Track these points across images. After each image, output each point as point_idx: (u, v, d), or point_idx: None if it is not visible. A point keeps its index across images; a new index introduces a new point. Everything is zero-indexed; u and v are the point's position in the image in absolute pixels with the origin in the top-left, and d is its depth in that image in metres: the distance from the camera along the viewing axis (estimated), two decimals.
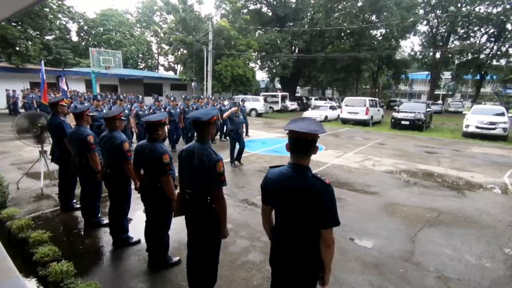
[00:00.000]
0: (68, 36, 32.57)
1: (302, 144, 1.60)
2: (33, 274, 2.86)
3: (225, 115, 7.00)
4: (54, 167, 4.57)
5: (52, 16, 21.74)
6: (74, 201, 4.41)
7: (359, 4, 27.94)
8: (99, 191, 3.82)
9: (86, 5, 62.40)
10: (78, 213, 4.14)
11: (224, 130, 10.79)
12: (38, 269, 2.83)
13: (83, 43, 34.46)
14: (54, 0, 23.29)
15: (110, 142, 3.14)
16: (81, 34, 35.18)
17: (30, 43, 19.04)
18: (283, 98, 24.74)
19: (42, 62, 9.90)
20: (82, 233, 3.75)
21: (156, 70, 42.21)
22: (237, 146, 7.07)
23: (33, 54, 18.94)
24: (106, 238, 3.58)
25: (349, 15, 27.48)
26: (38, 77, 19.72)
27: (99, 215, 3.94)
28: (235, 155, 7.10)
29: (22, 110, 16.50)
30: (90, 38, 35.03)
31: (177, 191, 2.55)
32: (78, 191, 4.12)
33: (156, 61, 43.65)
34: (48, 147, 4.83)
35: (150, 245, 3.00)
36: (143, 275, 2.92)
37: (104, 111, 6.74)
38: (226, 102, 10.99)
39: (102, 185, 3.68)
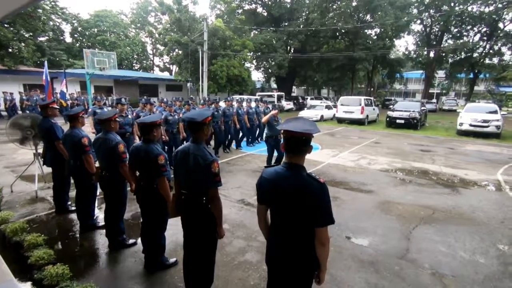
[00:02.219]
0: (61, 38, 32.28)
1: (296, 143, 1.62)
2: (28, 277, 2.84)
3: (264, 119, 6.24)
4: (49, 169, 4.53)
5: (45, 17, 21.54)
6: (69, 203, 4.38)
7: (354, 3, 28.08)
8: (94, 193, 3.81)
9: (80, 6, 62.00)
10: (74, 216, 4.11)
11: (240, 137, 9.30)
12: (34, 273, 2.81)
13: (77, 45, 34.18)
14: (47, 1, 23.08)
15: (105, 144, 3.12)
16: (75, 35, 34.89)
17: (23, 44, 18.86)
18: (279, 98, 24.79)
19: (46, 63, 9.72)
20: (78, 235, 3.73)
21: (151, 71, 42.03)
22: (275, 153, 6.47)
23: (26, 56, 18.76)
24: (102, 240, 3.56)
25: (343, 15, 27.60)
26: (31, 79, 19.62)
27: (95, 217, 3.92)
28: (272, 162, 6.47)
29: (4, 113, 16.26)
30: (84, 39, 34.77)
31: (172, 192, 2.55)
32: (73, 193, 4.10)
33: (151, 62, 43.47)
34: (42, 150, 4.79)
35: (147, 247, 2.99)
36: (139, 277, 2.91)
37: (129, 116, 6.07)
38: (244, 104, 9.86)
39: (98, 187, 3.67)
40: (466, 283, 2.93)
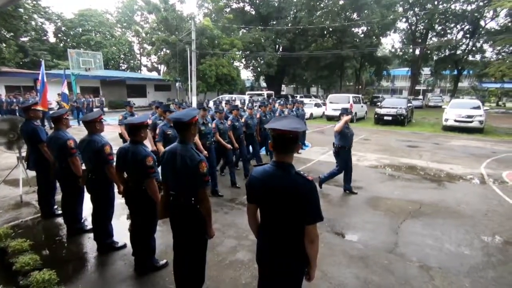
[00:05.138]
0: (45, 38, 31.46)
1: (284, 142, 1.62)
2: (14, 284, 2.76)
3: (337, 127, 5.09)
4: (34, 173, 4.41)
5: (27, 17, 20.95)
6: (55, 207, 4.28)
7: (341, 2, 28.39)
8: (81, 196, 3.73)
9: (63, 6, 60.39)
10: (60, 220, 4.02)
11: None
12: (19, 279, 2.73)
13: (61, 45, 33.38)
14: (29, 0, 22.43)
15: (90, 146, 3.06)
16: (59, 35, 34.04)
17: (4, 45, 18.32)
18: (269, 97, 24.83)
19: (43, 63, 9.27)
20: (65, 240, 3.64)
21: (139, 71, 41.40)
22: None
23: (7, 57, 18.24)
24: (90, 244, 3.49)
25: (331, 13, 27.87)
26: (14, 80, 19.03)
27: (82, 220, 3.85)
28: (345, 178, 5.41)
29: None
30: (68, 39, 33.97)
31: (161, 193, 2.53)
32: (59, 197, 4.00)
33: (139, 61, 42.81)
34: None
35: (136, 249, 2.95)
36: (130, 280, 2.87)
37: (210, 124, 5.07)
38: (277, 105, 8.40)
39: (84, 190, 3.59)
40: (452, 274, 3.01)
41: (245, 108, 8.22)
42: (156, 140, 4.64)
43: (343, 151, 5.24)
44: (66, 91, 11.80)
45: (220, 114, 5.52)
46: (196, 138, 4.73)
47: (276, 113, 7.61)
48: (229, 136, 5.62)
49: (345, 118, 5.12)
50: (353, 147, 9.41)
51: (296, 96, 30.45)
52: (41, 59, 11.01)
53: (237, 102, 8.34)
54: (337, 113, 17.53)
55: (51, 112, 4.76)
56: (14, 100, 14.39)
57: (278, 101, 10.73)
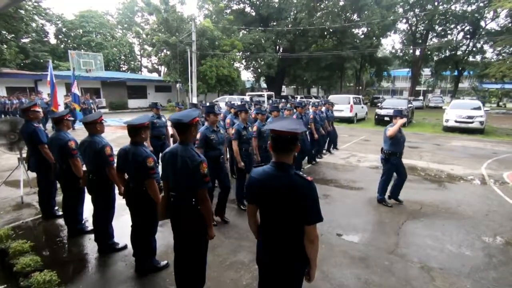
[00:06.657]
0: (45, 39, 31.53)
1: (283, 142, 1.63)
2: (15, 285, 2.76)
3: (391, 131, 4.56)
4: (34, 174, 4.42)
5: (28, 18, 21.00)
6: (56, 208, 4.28)
7: (341, 3, 28.46)
8: (81, 197, 3.73)
9: (64, 7, 60.52)
10: (61, 221, 4.02)
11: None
12: (20, 280, 2.74)
13: (62, 46, 33.42)
14: (30, 2, 22.49)
15: (91, 147, 3.06)
16: (60, 36, 34.10)
17: (5, 46, 18.35)
18: (269, 98, 24.84)
19: (50, 62, 9.16)
20: (66, 241, 3.65)
21: (140, 72, 41.46)
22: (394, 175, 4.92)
23: (8, 58, 18.28)
24: (91, 245, 3.50)
25: (331, 14, 27.91)
26: (15, 81, 19.07)
27: (83, 221, 3.85)
28: (388, 188, 4.91)
29: None
30: (69, 41, 34.02)
31: (162, 194, 2.53)
32: (60, 198, 4.01)
33: (139, 63, 42.87)
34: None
35: (137, 250, 2.96)
36: (130, 281, 2.87)
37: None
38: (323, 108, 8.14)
39: (85, 191, 3.60)
40: (453, 275, 3.01)
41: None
42: None
43: (394, 158, 4.75)
44: (77, 92, 11.64)
45: (262, 116, 4.95)
46: (236, 147, 4.42)
47: (310, 115, 7.20)
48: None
49: (400, 121, 4.58)
50: (353, 148, 9.38)
51: (297, 97, 30.52)
52: (48, 60, 10.86)
53: (265, 104, 7.70)
54: (338, 114, 17.53)
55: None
56: (7, 102, 14.38)
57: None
